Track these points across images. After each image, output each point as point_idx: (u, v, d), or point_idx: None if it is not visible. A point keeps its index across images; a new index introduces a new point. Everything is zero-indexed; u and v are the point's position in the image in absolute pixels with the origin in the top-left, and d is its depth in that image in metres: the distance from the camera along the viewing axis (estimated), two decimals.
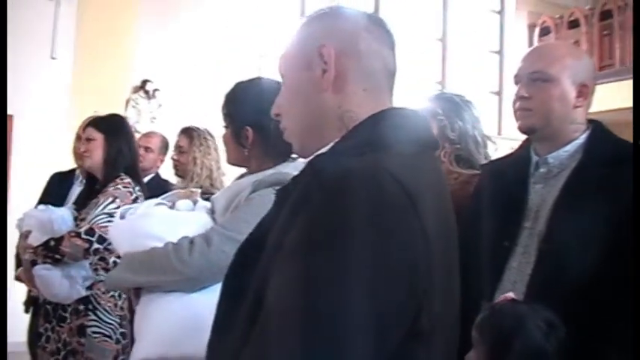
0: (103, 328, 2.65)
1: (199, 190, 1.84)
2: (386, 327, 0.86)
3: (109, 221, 2.52)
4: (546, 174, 1.78)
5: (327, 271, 0.85)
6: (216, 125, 3.79)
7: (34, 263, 2.58)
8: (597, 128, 1.80)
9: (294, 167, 1.61)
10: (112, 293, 2.69)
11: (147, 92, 6.51)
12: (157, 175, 3.99)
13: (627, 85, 7.35)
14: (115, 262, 2.70)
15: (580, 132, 1.78)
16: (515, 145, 1.94)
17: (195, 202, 1.75)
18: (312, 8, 7.46)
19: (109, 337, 2.66)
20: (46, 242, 2.56)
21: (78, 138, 3.26)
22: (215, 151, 3.59)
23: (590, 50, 7.88)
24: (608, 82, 7.03)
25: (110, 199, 2.60)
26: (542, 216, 1.72)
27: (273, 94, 1.14)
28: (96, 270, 2.68)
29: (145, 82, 6.48)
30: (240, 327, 0.95)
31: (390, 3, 8.09)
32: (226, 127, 1.83)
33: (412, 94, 7.45)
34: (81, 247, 2.54)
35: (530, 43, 8.54)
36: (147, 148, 3.97)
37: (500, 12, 8.97)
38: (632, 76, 7.27)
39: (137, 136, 5.42)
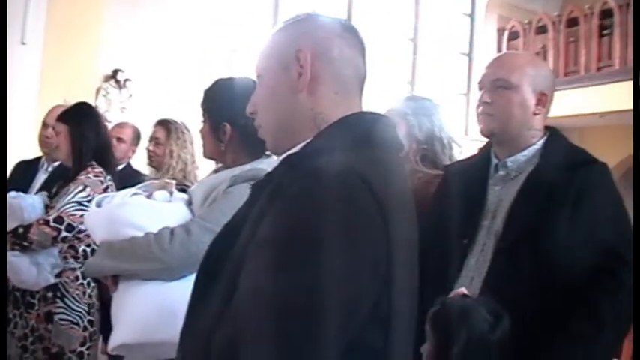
0: (70, 315, 2.68)
1: (174, 182, 1.89)
2: (350, 311, 0.94)
3: (78, 209, 2.55)
4: (505, 177, 1.88)
5: (296, 258, 0.92)
6: (186, 118, 3.85)
7: None
8: (553, 135, 1.90)
9: (268, 164, 1.68)
10: (80, 281, 2.72)
11: (118, 82, 6.47)
12: (129, 165, 3.99)
13: (591, 91, 7.58)
14: (84, 251, 2.73)
15: (537, 138, 1.88)
16: (481, 145, 2.03)
17: (171, 194, 1.80)
18: (285, 3, 7.52)
19: (77, 324, 2.68)
20: (15, 229, 2.57)
21: (44, 126, 3.27)
22: (191, 145, 3.63)
23: (556, 56, 8.07)
24: (572, 88, 7.24)
25: (80, 188, 2.62)
26: (499, 215, 1.82)
27: (251, 92, 1.20)
28: (65, 258, 2.71)
29: (116, 71, 6.44)
30: (213, 311, 1.01)
31: (363, 2, 8.16)
32: (204, 121, 1.89)
33: (383, 92, 7.56)
34: (49, 234, 2.56)
35: (499, 47, 8.70)
36: (119, 139, 3.97)
37: (471, 15, 9.10)
38: (594, 83, 7.51)
39: (107, 125, 5.43)
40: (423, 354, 1.50)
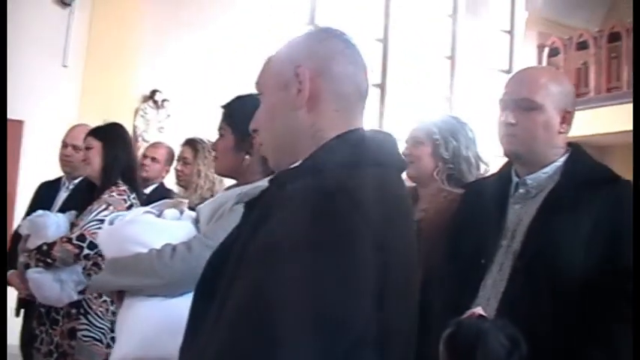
0: (93, 332, 2.69)
1: (187, 201, 1.89)
2: (335, 330, 0.91)
3: (99, 228, 2.58)
4: (525, 195, 1.81)
5: (282, 277, 0.90)
6: None
7: (27, 266, 2.64)
8: (576, 151, 1.83)
9: None
10: (104, 298, 2.74)
11: (156, 102, 6.59)
12: (162, 185, 4.04)
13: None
14: None
15: (559, 155, 1.81)
16: None
17: (182, 212, 1.81)
18: (321, 20, 7.58)
19: (100, 340, 2.70)
20: (39, 246, 2.63)
21: (64, 145, 3.33)
22: None
23: (598, 72, 7.89)
24: (614, 105, 7.04)
25: (103, 206, 2.66)
26: (518, 235, 1.76)
27: None
28: (89, 275, 2.72)
29: (154, 92, 6.57)
30: (208, 327, 1.00)
31: (400, 20, 8.16)
32: (222, 137, 1.88)
33: (420, 110, 7.51)
34: (71, 252, 2.61)
35: (539, 63, 8.56)
36: (153, 159, 4.03)
37: (510, 32, 9.00)
38: None
39: (144, 145, 5.51)
40: None
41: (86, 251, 2.63)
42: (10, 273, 2.93)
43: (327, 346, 0.90)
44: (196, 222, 1.78)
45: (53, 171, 3.81)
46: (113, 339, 2.73)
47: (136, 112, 6.54)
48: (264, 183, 1.70)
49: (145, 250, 1.67)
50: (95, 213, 2.66)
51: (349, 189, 0.96)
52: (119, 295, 1.70)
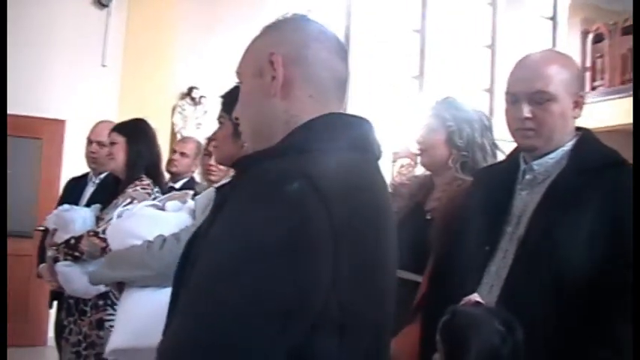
0: None
1: (192, 192, 1.92)
2: (287, 316, 0.91)
3: None
4: (532, 180, 1.78)
5: (235, 265, 0.91)
6: None
7: (56, 260, 2.73)
8: (584, 136, 1.79)
9: None
10: None
11: (193, 99, 6.70)
12: (192, 179, 4.11)
13: None
14: None
15: (567, 140, 1.77)
16: None
17: (184, 203, 1.84)
18: (356, 18, 7.55)
19: None
20: (67, 240, 2.71)
21: (89, 142, 3.43)
22: None
23: None
24: None
25: (128, 200, 2.72)
26: (524, 221, 1.72)
27: None
28: None
29: (191, 89, 6.68)
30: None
31: (437, 10, 8.06)
32: (221, 124, 1.91)
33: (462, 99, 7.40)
34: (98, 245, 2.68)
35: (584, 50, 8.35)
36: (182, 153, 4.11)
37: (553, 18, 8.79)
38: None
39: None
40: None
41: None
42: (41, 267, 3.04)
43: (279, 331, 0.90)
44: (194, 212, 1.81)
45: None
46: None
47: (174, 109, 6.67)
48: None
49: (139, 242, 1.71)
50: (120, 207, 2.72)
51: (310, 173, 0.95)
52: (119, 287, 1.75)
